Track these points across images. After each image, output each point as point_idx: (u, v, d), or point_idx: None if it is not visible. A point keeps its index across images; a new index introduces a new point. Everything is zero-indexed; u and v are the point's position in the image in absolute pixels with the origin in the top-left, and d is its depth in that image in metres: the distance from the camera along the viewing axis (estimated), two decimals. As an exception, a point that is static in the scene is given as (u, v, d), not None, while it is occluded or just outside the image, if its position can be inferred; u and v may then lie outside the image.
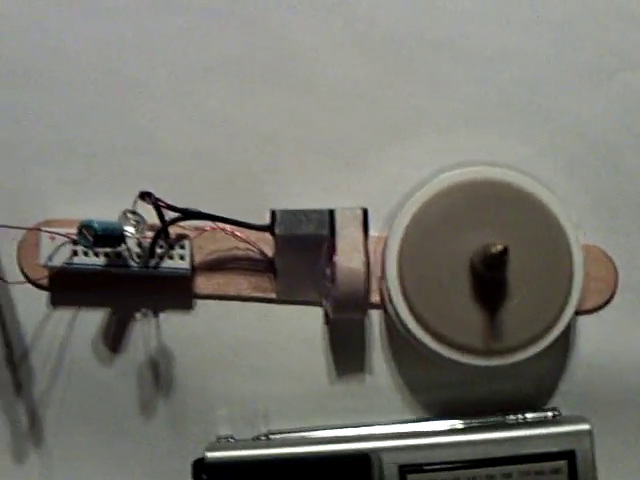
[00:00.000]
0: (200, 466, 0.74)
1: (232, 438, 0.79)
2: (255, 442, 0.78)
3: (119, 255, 0.76)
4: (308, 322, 0.82)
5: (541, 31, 0.83)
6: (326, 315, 0.81)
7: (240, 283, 0.81)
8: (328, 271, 0.76)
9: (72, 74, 0.81)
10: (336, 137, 0.83)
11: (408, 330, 0.77)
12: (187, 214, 0.74)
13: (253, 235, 0.80)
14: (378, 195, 0.82)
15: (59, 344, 0.79)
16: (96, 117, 0.81)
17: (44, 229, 0.75)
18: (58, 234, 0.74)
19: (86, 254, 0.76)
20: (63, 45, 0.81)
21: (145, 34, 0.82)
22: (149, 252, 0.75)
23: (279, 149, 0.82)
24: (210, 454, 0.74)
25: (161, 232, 0.74)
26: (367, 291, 0.76)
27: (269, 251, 0.81)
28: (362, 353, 0.82)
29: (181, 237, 0.76)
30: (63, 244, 0.75)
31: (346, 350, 0.81)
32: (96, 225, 0.71)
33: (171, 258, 0.76)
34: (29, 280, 0.79)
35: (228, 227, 0.78)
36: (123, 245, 0.75)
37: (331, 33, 0.82)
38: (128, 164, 0.81)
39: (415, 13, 0.82)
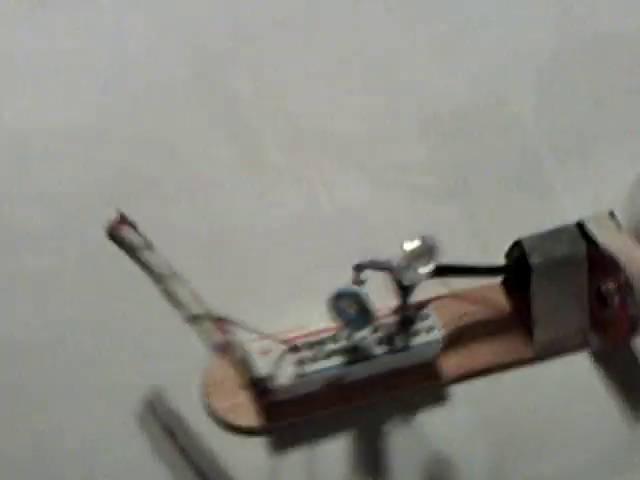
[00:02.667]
0: None
1: None
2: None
3: (355, 347, 0.60)
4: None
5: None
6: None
7: (489, 352, 0.64)
8: (605, 288, 0.62)
9: None
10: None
11: None
12: (440, 270, 0.58)
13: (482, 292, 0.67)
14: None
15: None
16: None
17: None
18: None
19: (314, 360, 0.57)
20: None
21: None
22: (398, 328, 0.58)
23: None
24: None
25: (405, 302, 0.57)
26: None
27: (502, 303, 0.67)
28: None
29: (420, 306, 0.60)
30: (282, 356, 0.57)
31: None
32: (362, 292, 0.54)
33: (416, 334, 0.59)
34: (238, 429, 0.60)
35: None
36: (362, 332, 0.59)
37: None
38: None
39: None
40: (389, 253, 0.57)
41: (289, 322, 0.62)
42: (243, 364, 0.56)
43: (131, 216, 0.55)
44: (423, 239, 0.54)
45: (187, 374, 0.62)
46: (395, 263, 0.57)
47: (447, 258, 0.57)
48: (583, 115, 0.78)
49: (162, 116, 0.71)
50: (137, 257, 0.52)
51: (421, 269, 0.54)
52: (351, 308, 0.55)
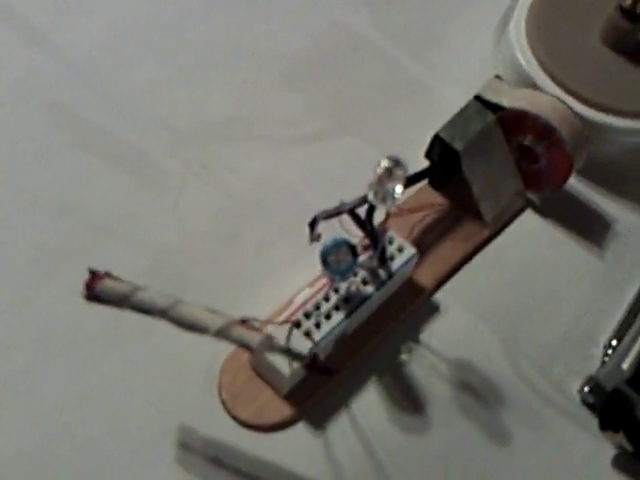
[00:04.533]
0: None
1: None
2: None
3: (347, 298, 0.59)
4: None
5: None
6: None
7: (452, 248, 0.65)
8: (527, 142, 0.65)
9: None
10: None
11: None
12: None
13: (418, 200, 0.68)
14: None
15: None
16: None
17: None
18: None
19: (317, 326, 0.57)
20: None
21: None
22: (377, 261, 0.58)
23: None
24: None
25: (373, 233, 0.57)
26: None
27: (439, 200, 0.69)
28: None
29: (382, 233, 0.60)
30: (289, 336, 0.56)
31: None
32: (346, 239, 0.54)
33: (392, 259, 0.60)
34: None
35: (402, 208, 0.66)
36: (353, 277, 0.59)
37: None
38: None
39: None
40: (322, 205, 0.56)
41: (267, 307, 0.61)
42: (289, 353, 0.53)
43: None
44: (392, 158, 0.53)
45: (202, 400, 0.59)
46: (350, 202, 0.56)
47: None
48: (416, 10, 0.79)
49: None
50: (131, 304, 0.48)
51: (397, 188, 0.53)
52: (343, 258, 0.54)
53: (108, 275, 0.49)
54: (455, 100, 0.67)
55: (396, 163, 0.52)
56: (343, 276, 0.56)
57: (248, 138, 0.70)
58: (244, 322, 0.49)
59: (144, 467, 0.57)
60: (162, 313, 0.49)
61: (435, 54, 0.78)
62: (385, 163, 0.52)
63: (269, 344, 0.50)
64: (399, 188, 0.53)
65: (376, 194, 0.53)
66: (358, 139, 0.71)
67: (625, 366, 0.59)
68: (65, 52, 0.73)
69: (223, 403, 0.59)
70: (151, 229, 0.65)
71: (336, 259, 0.54)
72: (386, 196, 0.54)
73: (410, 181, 0.63)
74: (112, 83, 0.72)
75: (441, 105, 0.69)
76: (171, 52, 0.74)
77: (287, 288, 0.60)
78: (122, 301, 0.49)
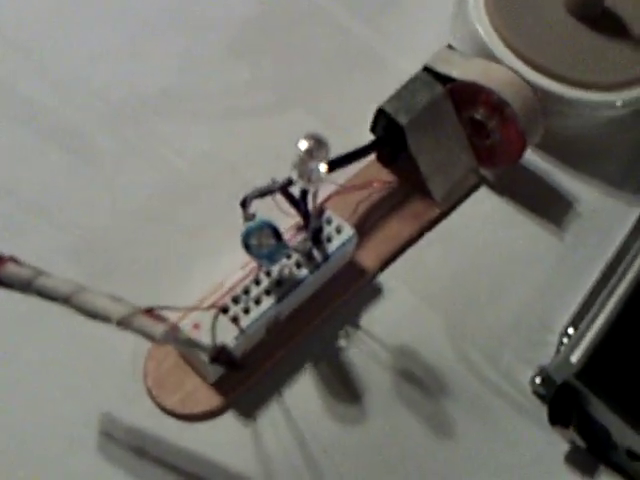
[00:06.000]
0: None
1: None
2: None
3: (279, 281, 0.56)
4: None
5: None
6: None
7: (398, 228, 0.62)
8: (479, 116, 0.60)
9: None
10: None
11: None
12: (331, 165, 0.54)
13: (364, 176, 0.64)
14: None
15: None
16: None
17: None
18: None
19: (246, 311, 0.53)
20: None
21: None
22: (312, 243, 0.55)
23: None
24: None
25: (307, 213, 0.54)
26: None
27: (387, 177, 0.65)
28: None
29: (320, 213, 0.56)
30: (214, 322, 0.53)
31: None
32: (269, 221, 0.51)
33: (329, 240, 0.56)
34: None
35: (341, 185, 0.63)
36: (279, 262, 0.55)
37: None
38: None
39: None
40: (264, 181, 0.54)
41: (200, 289, 0.57)
42: (193, 345, 0.50)
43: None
44: (312, 136, 0.49)
45: (126, 386, 0.56)
46: (283, 180, 0.53)
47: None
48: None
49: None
50: (34, 290, 0.45)
51: (321, 167, 0.49)
52: (265, 241, 0.51)
53: (12, 259, 0.46)
54: (409, 71, 0.63)
55: (317, 142, 0.49)
56: (270, 260, 0.53)
57: (188, 112, 0.67)
58: (149, 311, 0.46)
59: (64, 456, 0.54)
60: (65, 300, 0.46)
61: (390, 22, 0.74)
62: (304, 143, 0.48)
63: (173, 336, 0.46)
64: (323, 167, 0.49)
65: (301, 175, 0.50)
66: (305, 113, 0.68)
67: (574, 359, 0.55)
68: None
69: (148, 390, 0.56)
70: (82, 208, 0.62)
71: (258, 242, 0.51)
72: (311, 176, 0.50)
73: (354, 156, 0.60)
74: (46, 54, 0.69)
75: (394, 76, 0.65)
76: (109, 21, 0.71)
77: (221, 270, 0.56)
78: (25, 286, 0.46)
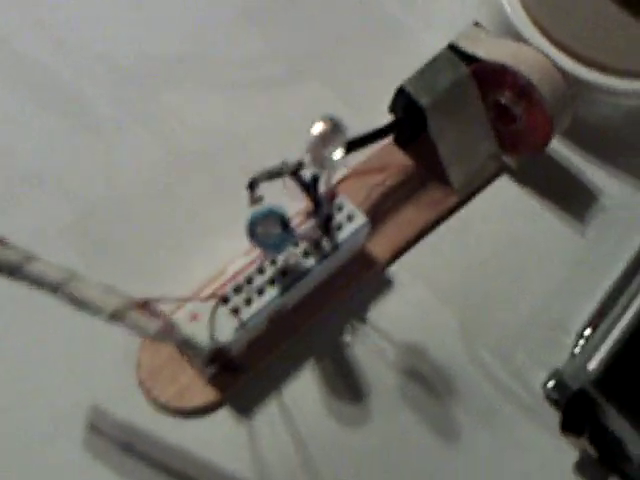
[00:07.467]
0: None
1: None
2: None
3: (284, 271, 0.52)
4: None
5: None
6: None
7: (413, 216, 0.58)
8: (505, 100, 0.56)
9: None
10: None
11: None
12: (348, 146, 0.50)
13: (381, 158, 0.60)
14: None
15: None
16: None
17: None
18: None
19: (248, 302, 0.50)
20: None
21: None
22: (321, 231, 0.51)
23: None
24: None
25: (317, 199, 0.50)
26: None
27: (404, 161, 0.61)
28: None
29: (331, 198, 0.52)
30: (213, 313, 0.49)
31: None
32: (277, 208, 0.47)
33: (340, 228, 0.52)
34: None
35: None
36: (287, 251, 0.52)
37: None
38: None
39: None
40: (276, 159, 0.49)
41: (201, 274, 0.54)
42: (189, 345, 0.47)
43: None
44: (329, 119, 0.45)
45: (118, 378, 0.53)
46: (294, 162, 0.49)
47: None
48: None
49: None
50: (22, 275, 0.42)
51: (335, 153, 0.46)
52: (272, 230, 0.47)
53: (0, 241, 0.42)
54: (435, 46, 0.59)
55: (334, 125, 0.45)
56: (276, 250, 0.50)
57: (197, 80, 0.63)
58: (144, 305, 0.42)
59: (49, 449, 0.51)
60: (54, 288, 0.42)
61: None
62: (319, 127, 0.45)
63: (168, 334, 0.43)
64: (339, 153, 0.45)
65: (314, 160, 0.46)
66: (321, 85, 0.64)
67: (592, 365, 0.52)
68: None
69: (141, 382, 0.53)
70: (78, 179, 0.59)
71: (264, 231, 0.47)
72: (324, 162, 0.46)
73: (370, 138, 0.56)
74: (48, 11, 0.64)
75: (419, 51, 0.60)
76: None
77: (224, 254, 0.53)
78: (12, 271, 0.42)
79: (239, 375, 0.52)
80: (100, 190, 0.58)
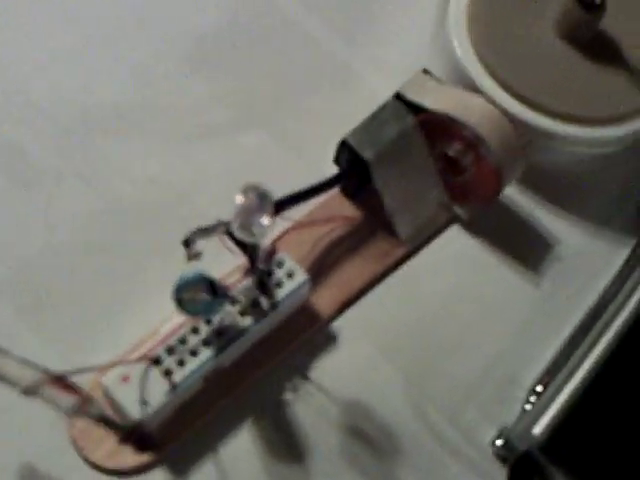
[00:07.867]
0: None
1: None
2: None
3: (219, 331, 0.51)
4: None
5: None
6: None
7: (359, 269, 0.56)
8: (452, 151, 0.55)
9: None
10: None
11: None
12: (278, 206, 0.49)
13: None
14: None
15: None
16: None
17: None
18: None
19: (181, 363, 0.48)
20: None
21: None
22: (258, 289, 0.50)
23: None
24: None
25: (253, 257, 0.49)
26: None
27: (352, 212, 0.60)
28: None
29: (271, 253, 0.51)
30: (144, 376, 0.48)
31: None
32: (204, 276, 0.45)
33: (280, 285, 0.51)
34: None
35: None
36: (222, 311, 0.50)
37: None
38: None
39: None
40: (218, 211, 0.48)
41: (136, 331, 0.52)
42: (105, 421, 0.46)
43: None
44: (252, 189, 0.44)
45: (50, 437, 0.51)
46: (229, 220, 0.47)
47: (279, 187, 0.48)
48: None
49: None
50: None
51: (262, 219, 0.44)
52: (199, 295, 0.46)
53: None
54: (384, 92, 0.58)
55: (258, 194, 0.44)
56: (206, 315, 0.48)
57: (139, 131, 0.62)
58: (60, 380, 0.41)
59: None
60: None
61: (366, 38, 0.68)
62: (240, 200, 0.43)
63: (84, 409, 0.42)
64: (266, 220, 0.44)
65: (242, 227, 0.45)
66: (267, 134, 0.63)
67: (537, 430, 0.50)
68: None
69: (73, 441, 0.51)
70: (15, 234, 0.57)
71: (192, 297, 0.46)
72: (252, 228, 0.45)
73: (307, 195, 0.55)
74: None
75: (367, 98, 0.59)
76: (57, 28, 0.65)
77: (161, 312, 0.51)
78: None
79: (152, 449, 0.50)
80: (38, 243, 0.57)
